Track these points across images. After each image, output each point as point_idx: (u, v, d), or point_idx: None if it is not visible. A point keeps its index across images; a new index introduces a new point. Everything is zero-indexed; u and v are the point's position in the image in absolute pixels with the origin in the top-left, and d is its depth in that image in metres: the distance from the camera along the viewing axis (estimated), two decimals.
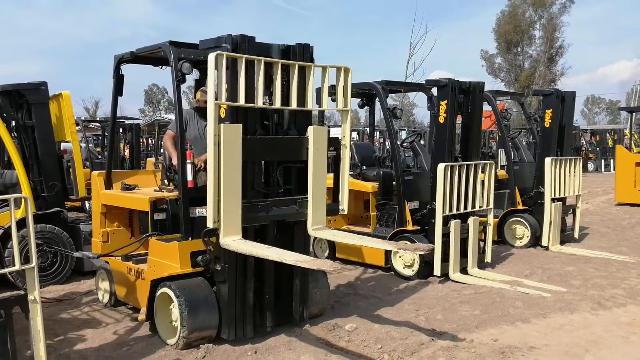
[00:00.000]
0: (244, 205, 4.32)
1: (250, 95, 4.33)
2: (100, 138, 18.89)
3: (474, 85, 6.90)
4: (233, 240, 4.21)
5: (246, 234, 4.41)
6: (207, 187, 4.19)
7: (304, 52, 4.71)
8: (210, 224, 4.21)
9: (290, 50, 4.68)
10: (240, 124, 4.29)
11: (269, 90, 4.73)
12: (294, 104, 4.55)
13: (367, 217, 7.92)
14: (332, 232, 4.85)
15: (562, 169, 8.46)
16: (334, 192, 5.13)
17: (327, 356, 4.35)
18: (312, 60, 4.79)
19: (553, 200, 8.30)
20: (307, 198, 4.68)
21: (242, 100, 4.25)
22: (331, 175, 5.16)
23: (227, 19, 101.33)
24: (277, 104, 4.49)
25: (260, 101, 4.39)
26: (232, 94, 4.24)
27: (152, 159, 14.01)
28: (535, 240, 8.44)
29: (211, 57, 4.08)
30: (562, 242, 8.55)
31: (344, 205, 5.01)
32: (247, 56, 4.29)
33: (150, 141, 20.63)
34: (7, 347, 3.24)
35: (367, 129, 11.71)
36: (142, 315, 4.86)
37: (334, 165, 5.17)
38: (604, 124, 59.72)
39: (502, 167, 10.05)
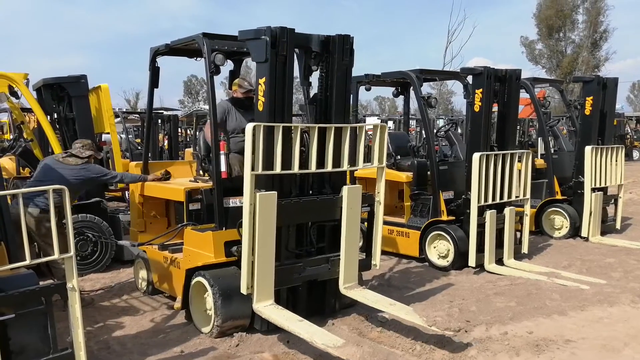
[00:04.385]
0: (277, 269, 4.32)
1: (287, 161, 4.31)
2: (140, 129, 19.25)
3: (510, 73, 6.76)
4: (265, 307, 4.24)
5: (278, 293, 4.46)
6: (242, 253, 4.20)
7: (344, 43, 4.61)
8: (244, 291, 4.22)
9: (330, 41, 4.60)
10: (276, 192, 4.23)
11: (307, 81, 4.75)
12: (329, 166, 4.52)
13: (401, 207, 7.87)
14: (364, 293, 4.76)
15: (603, 158, 8.23)
16: (366, 246, 5.12)
17: (359, 347, 4.35)
18: (352, 52, 4.69)
19: (593, 189, 8.10)
20: (339, 256, 4.69)
21: (278, 169, 4.23)
22: None
23: (267, 9, 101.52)
24: (313, 167, 4.44)
25: (296, 167, 4.36)
26: (269, 162, 4.20)
27: (191, 150, 14.19)
28: (575, 231, 8.27)
29: (249, 127, 4.06)
30: (602, 233, 8.35)
31: (376, 260, 5.01)
32: (284, 124, 4.27)
33: (188, 132, 20.90)
34: (47, 333, 3.33)
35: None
36: (177, 304, 4.95)
37: (367, 220, 5.11)
38: None
39: (542, 155, 9.85)
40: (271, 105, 4.33)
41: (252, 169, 4.07)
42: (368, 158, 5.31)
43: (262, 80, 4.32)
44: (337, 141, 4.58)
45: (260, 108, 4.36)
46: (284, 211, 4.35)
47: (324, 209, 4.70)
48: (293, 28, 4.38)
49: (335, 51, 4.60)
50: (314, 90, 4.85)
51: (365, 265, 5.01)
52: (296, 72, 4.59)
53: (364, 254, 5.09)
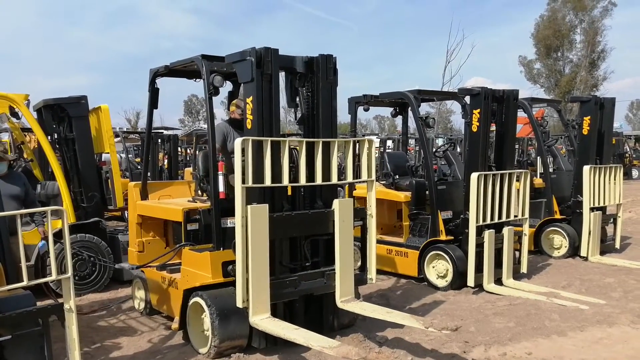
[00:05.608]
0: (272, 282, 4.34)
1: (277, 175, 4.37)
2: (140, 148, 19.30)
3: (507, 93, 6.82)
4: (262, 320, 4.24)
5: (275, 309, 4.46)
6: (236, 267, 4.22)
7: (327, 63, 4.72)
8: (239, 304, 4.22)
9: (314, 62, 4.71)
10: (267, 205, 4.30)
11: (294, 103, 4.80)
12: (318, 179, 4.57)
13: (400, 226, 7.88)
14: (361, 305, 4.76)
15: (602, 177, 8.26)
16: (361, 261, 5.14)
17: (355, 347, 4.32)
18: (335, 71, 4.79)
19: (592, 209, 8.11)
20: (334, 270, 4.70)
21: (268, 182, 4.29)
22: None
23: (267, 30, 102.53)
24: (303, 180, 4.50)
25: (286, 180, 4.42)
26: (259, 175, 4.26)
27: (190, 169, 14.24)
28: (574, 251, 8.26)
29: (237, 142, 4.13)
30: (602, 253, 8.34)
31: (372, 274, 5.02)
32: (272, 138, 4.35)
33: (188, 151, 20.96)
34: (44, 354, 3.34)
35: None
36: (175, 324, 4.94)
37: (361, 234, 5.14)
38: None
39: (541, 175, 9.88)
40: (259, 123, 4.42)
41: (243, 182, 4.13)
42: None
43: (249, 100, 4.45)
44: (327, 157, 4.64)
45: (249, 126, 4.46)
46: (276, 224, 4.38)
47: (316, 222, 4.73)
48: (277, 49, 4.49)
49: (319, 71, 4.70)
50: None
51: (360, 280, 5.01)
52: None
53: (362, 272, 5.08)
